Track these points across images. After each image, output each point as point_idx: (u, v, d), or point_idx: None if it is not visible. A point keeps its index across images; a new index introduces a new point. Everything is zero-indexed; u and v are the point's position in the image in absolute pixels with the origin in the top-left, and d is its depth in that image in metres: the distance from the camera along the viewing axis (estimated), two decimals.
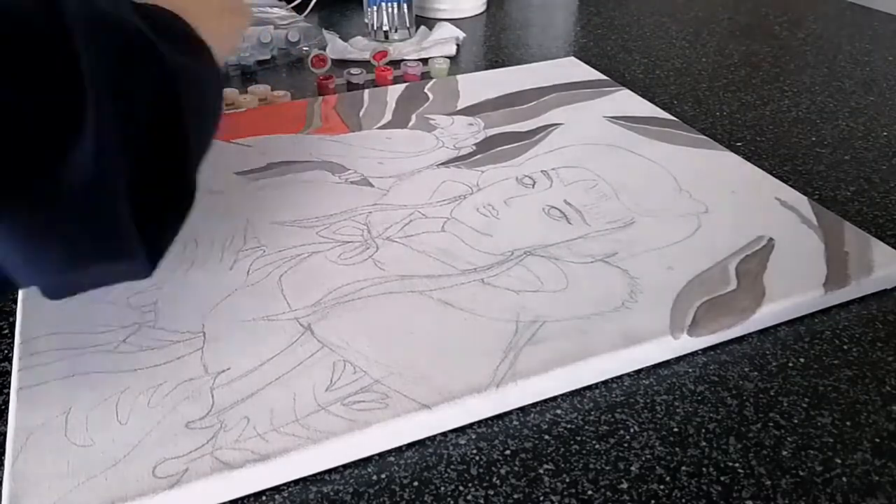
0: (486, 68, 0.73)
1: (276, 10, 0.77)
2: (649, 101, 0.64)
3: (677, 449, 0.34)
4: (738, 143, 0.56)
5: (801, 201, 0.50)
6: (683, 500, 0.32)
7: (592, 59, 0.74)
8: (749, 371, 0.38)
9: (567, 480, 0.33)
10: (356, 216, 0.48)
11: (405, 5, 0.80)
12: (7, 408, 0.36)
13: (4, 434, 0.35)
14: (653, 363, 0.39)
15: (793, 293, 0.42)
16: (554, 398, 0.37)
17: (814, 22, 0.88)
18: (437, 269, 0.43)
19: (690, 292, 0.41)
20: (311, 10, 0.84)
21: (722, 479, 0.33)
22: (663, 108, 0.63)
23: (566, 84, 0.67)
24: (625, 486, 0.33)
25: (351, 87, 0.69)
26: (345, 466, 0.33)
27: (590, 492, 0.32)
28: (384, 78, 0.70)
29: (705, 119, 0.63)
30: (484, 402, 0.35)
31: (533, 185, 0.52)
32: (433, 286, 0.42)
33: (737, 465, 0.33)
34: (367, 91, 0.66)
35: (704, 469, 0.33)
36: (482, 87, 0.66)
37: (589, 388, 0.37)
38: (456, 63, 0.75)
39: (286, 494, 0.32)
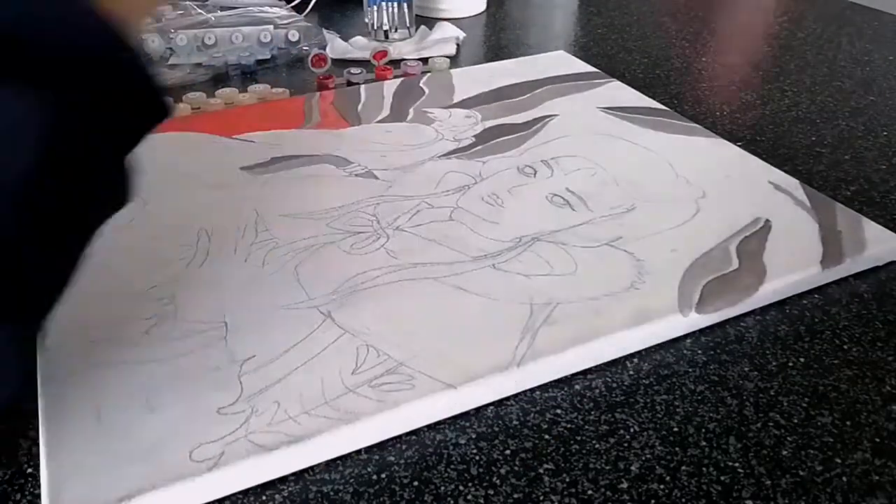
0: None
1: (276, 9, 0.78)
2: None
3: (677, 449, 0.35)
4: (738, 143, 0.57)
5: (793, 184, 0.52)
6: (683, 500, 0.32)
7: (593, 59, 0.75)
8: (749, 371, 0.39)
9: (567, 480, 0.33)
10: (364, 207, 0.49)
11: (405, 5, 0.80)
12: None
13: (20, 428, 0.35)
14: (664, 340, 0.40)
15: (792, 271, 0.43)
16: (554, 398, 0.37)
17: (814, 22, 0.89)
18: (449, 256, 0.44)
19: (695, 272, 0.43)
20: (311, 9, 0.85)
21: (722, 478, 0.33)
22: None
23: (558, 76, 0.68)
24: (625, 485, 0.33)
25: (351, 86, 0.70)
26: (345, 466, 0.34)
27: (590, 492, 0.33)
28: (384, 78, 0.70)
29: (705, 119, 0.64)
30: (507, 381, 0.36)
31: (534, 175, 0.53)
32: (447, 272, 0.43)
33: (737, 464, 0.34)
34: (363, 87, 0.67)
35: (704, 469, 0.34)
36: (476, 80, 0.67)
37: (589, 387, 0.38)
38: (456, 62, 0.76)
39: (286, 494, 0.32)
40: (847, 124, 0.64)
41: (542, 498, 0.32)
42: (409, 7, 0.81)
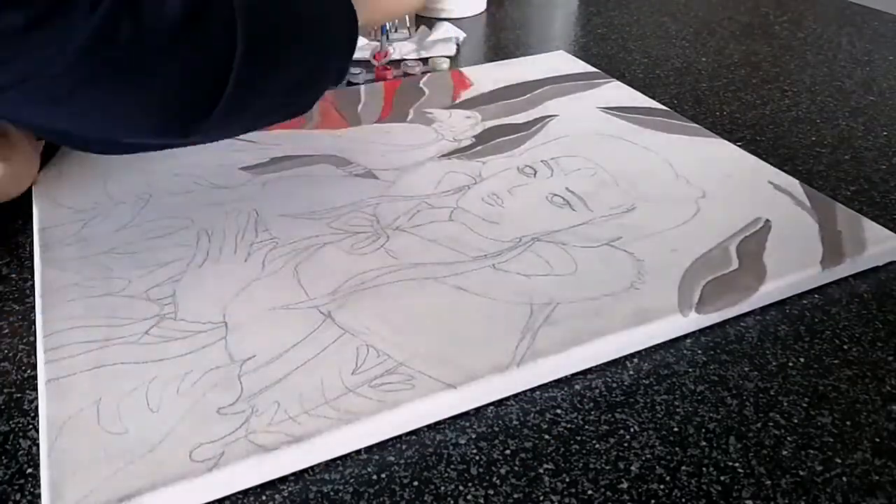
0: None
1: None
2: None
3: (677, 449, 0.35)
4: (738, 143, 0.57)
5: (793, 184, 0.52)
6: (683, 500, 0.32)
7: (593, 59, 0.75)
8: (749, 371, 0.39)
9: (567, 480, 0.33)
10: (364, 207, 0.49)
11: None
12: (6, 407, 0.37)
13: (20, 429, 0.35)
14: (664, 340, 0.40)
15: (792, 271, 0.43)
16: (554, 398, 0.37)
17: (814, 22, 0.89)
18: (449, 256, 0.44)
19: (695, 272, 0.43)
20: None
21: (722, 478, 0.33)
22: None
23: (558, 77, 0.68)
24: (625, 485, 0.33)
25: (351, 86, 0.70)
26: (345, 466, 0.34)
27: (590, 492, 0.33)
28: (384, 78, 0.70)
29: (705, 119, 0.64)
30: (506, 381, 0.36)
31: (534, 175, 0.53)
32: (446, 273, 0.43)
33: (737, 464, 0.34)
34: (363, 87, 0.67)
35: (704, 469, 0.34)
36: (476, 80, 0.67)
37: (589, 387, 0.38)
38: (456, 62, 0.76)
39: (286, 494, 0.32)
40: (847, 124, 0.64)
41: (542, 498, 0.32)
42: None
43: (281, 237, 0.46)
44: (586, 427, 0.36)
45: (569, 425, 0.36)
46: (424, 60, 0.74)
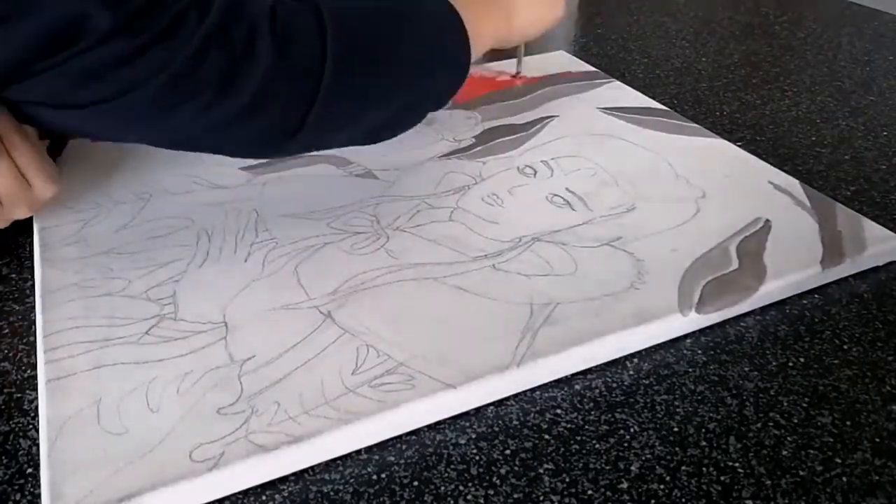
0: None
1: None
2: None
3: (677, 449, 0.35)
4: (738, 143, 0.57)
5: (793, 184, 0.52)
6: (683, 500, 0.32)
7: (593, 59, 0.75)
8: (749, 371, 0.39)
9: (567, 480, 0.33)
10: (364, 208, 0.49)
11: None
12: (6, 407, 0.37)
13: (20, 429, 0.35)
14: (664, 340, 0.40)
15: (792, 271, 0.43)
16: (554, 398, 0.37)
17: (814, 22, 0.89)
18: (449, 256, 0.44)
19: (695, 272, 0.43)
20: None
21: (722, 478, 0.33)
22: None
23: (558, 77, 0.68)
24: (625, 486, 0.33)
25: None
26: (345, 466, 0.34)
27: (590, 492, 0.33)
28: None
29: (705, 119, 0.64)
30: (506, 381, 0.36)
31: (534, 175, 0.53)
32: (446, 273, 0.43)
33: (737, 464, 0.34)
34: None
35: (704, 469, 0.34)
36: (475, 80, 0.67)
37: (589, 387, 0.38)
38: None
39: (286, 494, 0.32)
40: (847, 124, 0.64)
41: (542, 498, 0.32)
42: None
43: (281, 237, 0.46)
44: (586, 427, 0.36)
45: (569, 425, 0.36)
46: None
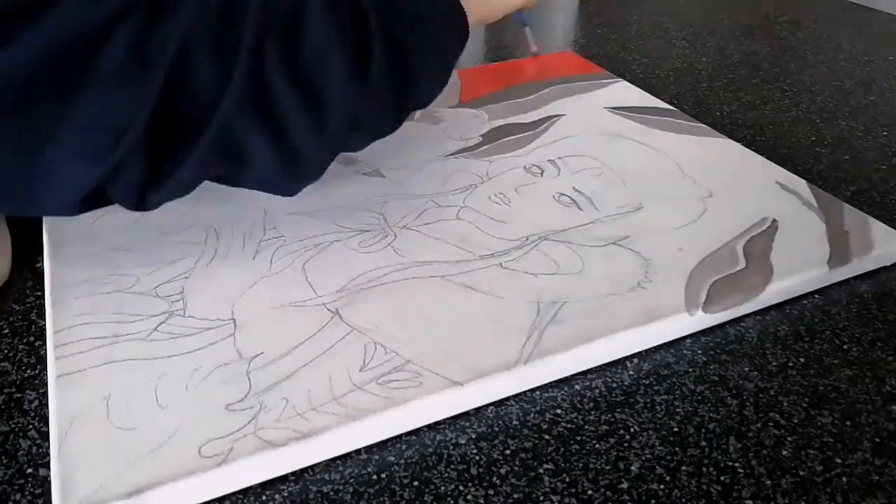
0: None
1: None
2: None
3: (677, 449, 0.35)
4: (738, 143, 0.58)
5: (800, 185, 0.52)
6: (683, 500, 0.32)
7: (593, 59, 0.75)
8: (749, 371, 0.39)
9: (567, 480, 0.33)
10: (371, 206, 0.49)
11: None
12: (6, 407, 0.37)
13: (20, 429, 0.36)
14: (671, 339, 0.40)
15: (799, 271, 0.43)
16: (554, 398, 0.37)
17: (814, 22, 0.89)
18: (456, 254, 0.44)
19: (702, 272, 0.43)
20: None
21: (722, 479, 0.33)
22: None
23: (564, 76, 0.68)
24: (625, 486, 0.33)
25: None
26: (345, 466, 0.34)
27: (590, 492, 0.33)
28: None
29: (705, 118, 0.64)
30: (514, 379, 0.37)
31: (541, 174, 0.53)
32: (453, 271, 0.43)
33: (737, 465, 0.34)
34: None
35: (704, 469, 0.34)
36: (482, 80, 0.68)
37: (589, 387, 0.38)
38: (457, 62, 0.76)
39: (286, 494, 0.33)
40: (847, 124, 0.64)
41: (542, 498, 0.32)
42: None
43: (289, 235, 0.46)
44: (586, 427, 0.36)
45: (569, 425, 0.36)
46: None
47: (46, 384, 0.38)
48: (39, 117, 0.32)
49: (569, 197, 0.50)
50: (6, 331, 0.42)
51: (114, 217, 0.48)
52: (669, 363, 0.39)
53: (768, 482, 0.33)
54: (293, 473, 0.33)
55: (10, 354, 0.40)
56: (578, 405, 0.37)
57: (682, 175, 0.53)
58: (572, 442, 0.35)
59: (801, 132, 0.63)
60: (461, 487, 0.33)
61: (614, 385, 0.38)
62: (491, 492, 0.33)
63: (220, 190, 0.50)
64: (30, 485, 0.33)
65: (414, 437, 0.35)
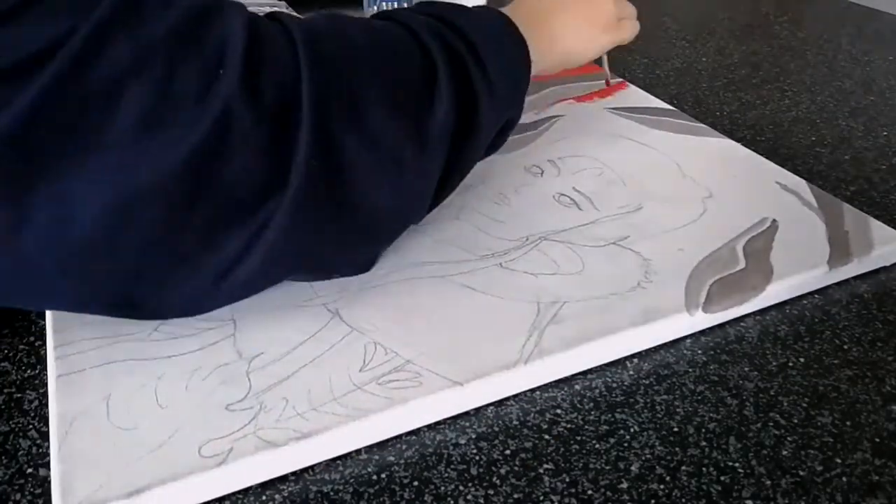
0: None
1: (275, 10, 0.78)
2: None
3: (677, 449, 0.35)
4: (738, 143, 0.58)
5: (800, 185, 0.52)
6: (683, 500, 0.32)
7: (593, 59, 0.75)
8: (749, 371, 0.39)
9: (567, 480, 0.33)
10: None
11: (405, 5, 0.81)
12: (6, 407, 0.37)
13: (20, 429, 0.36)
14: (670, 339, 0.40)
15: (799, 271, 0.43)
16: (554, 398, 0.37)
17: (814, 22, 0.89)
18: (456, 255, 0.44)
19: (702, 272, 0.43)
20: (311, 10, 0.85)
21: (722, 479, 0.33)
22: None
23: (564, 77, 0.68)
24: (625, 486, 0.33)
25: None
26: (345, 466, 0.34)
27: (590, 492, 0.33)
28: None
29: (705, 118, 0.64)
30: (513, 379, 0.37)
31: (541, 174, 0.53)
32: (453, 271, 0.43)
33: (737, 465, 0.34)
34: None
35: (704, 469, 0.34)
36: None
37: (589, 387, 0.38)
38: None
39: (286, 494, 0.33)
40: (847, 124, 0.64)
41: (542, 498, 0.32)
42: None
43: None
44: (586, 427, 0.36)
45: (569, 425, 0.36)
46: None
47: (46, 384, 0.38)
48: None
49: (569, 197, 0.50)
50: (6, 331, 0.42)
51: None
52: (669, 363, 0.39)
53: (768, 482, 0.33)
54: (293, 473, 0.33)
55: (10, 354, 0.40)
56: (578, 405, 0.37)
57: (682, 175, 0.53)
58: (572, 442, 0.35)
59: (801, 132, 0.63)
60: (461, 487, 0.33)
61: (614, 385, 0.38)
62: (491, 492, 0.33)
63: None
64: (30, 485, 0.33)
65: (414, 437, 0.35)
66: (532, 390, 0.38)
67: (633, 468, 0.34)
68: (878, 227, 0.47)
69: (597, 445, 0.35)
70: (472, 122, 0.40)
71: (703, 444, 0.35)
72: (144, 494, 0.30)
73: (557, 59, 0.50)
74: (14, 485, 0.33)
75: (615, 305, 0.40)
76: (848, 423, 0.36)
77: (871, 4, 0.93)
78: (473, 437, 0.35)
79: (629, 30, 0.55)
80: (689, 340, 0.41)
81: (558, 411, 0.37)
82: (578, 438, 0.35)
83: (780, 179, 0.52)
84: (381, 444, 0.35)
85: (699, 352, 0.40)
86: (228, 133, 0.30)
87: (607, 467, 0.34)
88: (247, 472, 0.32)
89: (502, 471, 0.34)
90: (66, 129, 0.27)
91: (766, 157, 0.55)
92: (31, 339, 0.41)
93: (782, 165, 0.55)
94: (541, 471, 0.34)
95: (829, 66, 0.76)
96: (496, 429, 0.36)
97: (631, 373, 0.39)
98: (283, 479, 0.33)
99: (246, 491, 0.33)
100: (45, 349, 0.39)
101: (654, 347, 0.40)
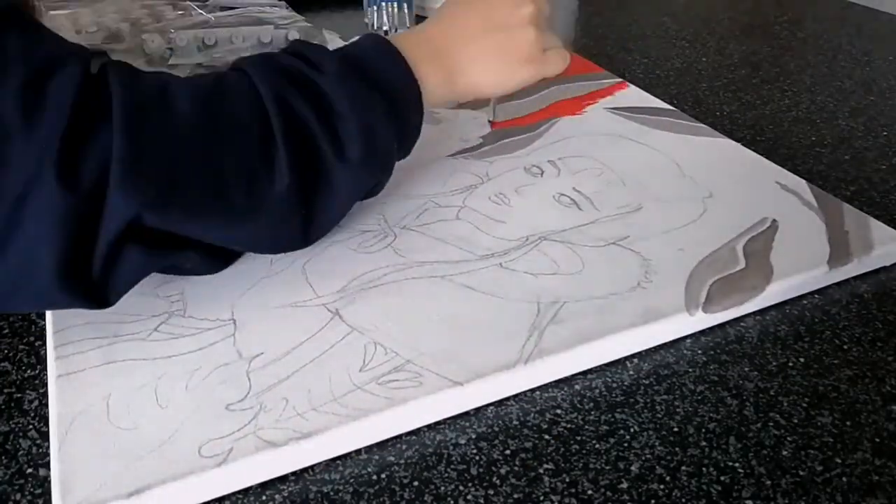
0: None
1: (276, 10, 0.78)
2: None
3: (677, 449, 0.35)
4: (738, 143, 0.58)
5: (800, 185, 0.52)
6: (683, 500, 0.32)
7: (593, 59, 0.75)
8: (749, 371, 0.39)
9: (567, 480, 0.33)
10: (372, 206, 0.49)
11: (405, 5, 0.81)
12: (6, 407, 0.37)
13: (20, 429, 0.36)
14: (670, 339, 0.40)
15: (799, 271, 0.43)
16: (554, 398, 0.37)
17: (814, 22, 0.90)
18: (456, 255, 0.44)
19: (702, 272, 0.43)
20: (311, 10, 0.85)
21: (722, 479, 0.33)
22: None
23: (565, 77, 0.68)
24: (625, 486, 0.33)
25: None
26: (345, 466, 0.34)
27: (590, 492, 0.33)
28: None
29: (705, 119, 0.64)
30: (513, 379, 0.37)
31: (541, 175, 0.53)
32: (454, 271, 0.43)
33: (737, 465, 0.34)
34: None
35: (704, 469, 0.34)
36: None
37: (589, 387, 0.38)
38: None
39: (286, 494, 0.33)
40: (847, 124, 0.64)
41: (542, 498, 0.32)
42: (409, 7, 0.81)
43: None
44: (586, 427, 0.36)
45: (569, 425, 0.36)
46: None
47: (46, 384, 0.38)
48: None
49: (569, 197, 0.50)
50: (6, 331, 0.42)
51: None
52: (669, 363, 0.39)
53: (768, 482, 0.33)
54: (293, 473, 0.33)
55: (10, 354, 0.40)
56: (578, 405, 0.37)
57: (682, 175, 0.53)
58: (572, 442, 0.35)
59: (801, 132, 0.63)
60: (461, 487, 0.33)
61: (614, 385, 0.38)
62: (491, 492, 0.33)
63: None
64: (30, 485, 0.33)
65: (414, 437, 0.35)
66: (532, 390, 0.38)
67: (633, 468, 0.34)
68: (878, 227, 0.47)
69: (597, 445, 0.35)
70: (324, 186, 0.40)
71: (703, 444, 0.35)
72: (144, 494, 0.30)
73: (460, 92, 0.48)
74: (14, 485, 0.33)
75: (615, 305, 0.40)
76: (848, 423, 0.36)
77: (871, 4, 0.93)
78: (473, 437, 0.35)
79: (556, 61, 0.51)
80: (689, 340, 0.41)
81: (558, 411, 0.37)
82: (578, 438, 0.35)
83: (780, 179, 0.52)
84: (381, 444, 0.35)
85: (699, 352, 0.40)
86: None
87: (607, 467, 0.34)
88: (247, 472, 0.32)
89: (502, 471, 0.34)
90: None
91: (766, 157, 0.55)
92: (31, 339, 0.41)
93: (782, 165, 0.55)
94: (541, 471, 0.34)
95: (829, 66, 0.76)
96: (496, 429, 0.36)
97: (631, 373, 0.39)
98: (283, 479, 0.33)
99: (246, 491, 0.33)
100: (45, 349, 0.39)
101: (654, 347, 0.40)
